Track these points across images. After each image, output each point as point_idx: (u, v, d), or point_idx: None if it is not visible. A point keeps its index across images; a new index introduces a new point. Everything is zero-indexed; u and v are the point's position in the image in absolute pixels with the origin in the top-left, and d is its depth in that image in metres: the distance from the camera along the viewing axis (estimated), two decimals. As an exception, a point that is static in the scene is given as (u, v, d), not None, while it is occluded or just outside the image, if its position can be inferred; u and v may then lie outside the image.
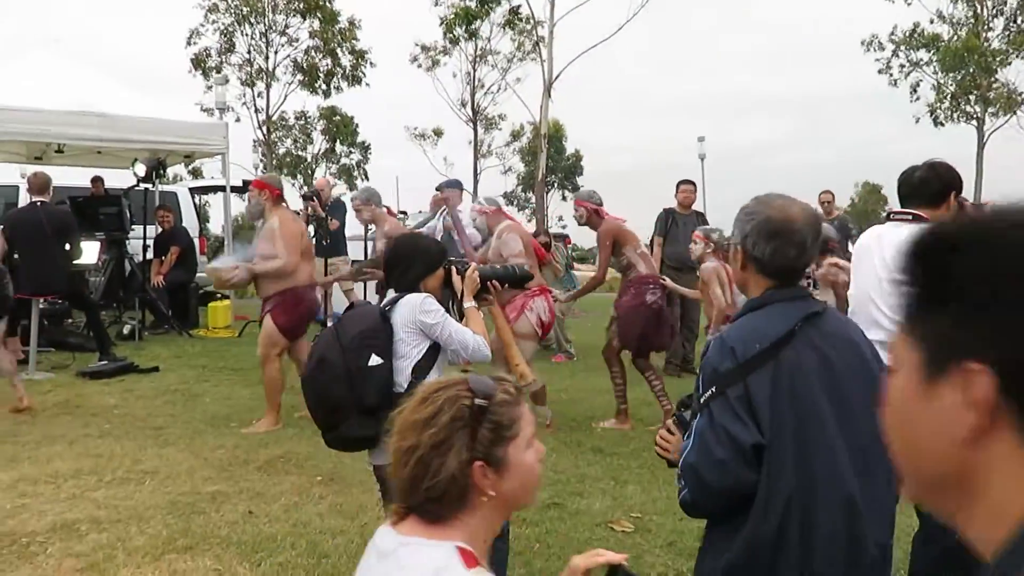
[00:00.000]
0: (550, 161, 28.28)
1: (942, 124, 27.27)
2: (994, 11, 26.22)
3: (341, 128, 33.04)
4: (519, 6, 25.78)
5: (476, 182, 30.19)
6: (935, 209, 3.15)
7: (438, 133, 34.61)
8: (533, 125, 30.41)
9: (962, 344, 0.65)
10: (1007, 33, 26.08)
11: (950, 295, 0.67)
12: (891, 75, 27.82)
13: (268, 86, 27.67)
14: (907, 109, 28.31)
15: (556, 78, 22.19)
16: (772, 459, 1.81)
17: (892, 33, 27.51)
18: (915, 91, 27.69)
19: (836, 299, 5.64)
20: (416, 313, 3.01)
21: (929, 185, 3.18)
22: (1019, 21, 25.93)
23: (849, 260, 6.22)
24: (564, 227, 30.94)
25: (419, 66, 29.10)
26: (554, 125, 32.18)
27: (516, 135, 38.08)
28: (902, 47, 27.44)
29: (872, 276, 3.20)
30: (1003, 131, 26.53)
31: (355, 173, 34.85)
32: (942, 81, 27.14)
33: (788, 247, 1.94)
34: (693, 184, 8.80)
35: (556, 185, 44.23)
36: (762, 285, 1.99)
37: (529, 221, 31.98)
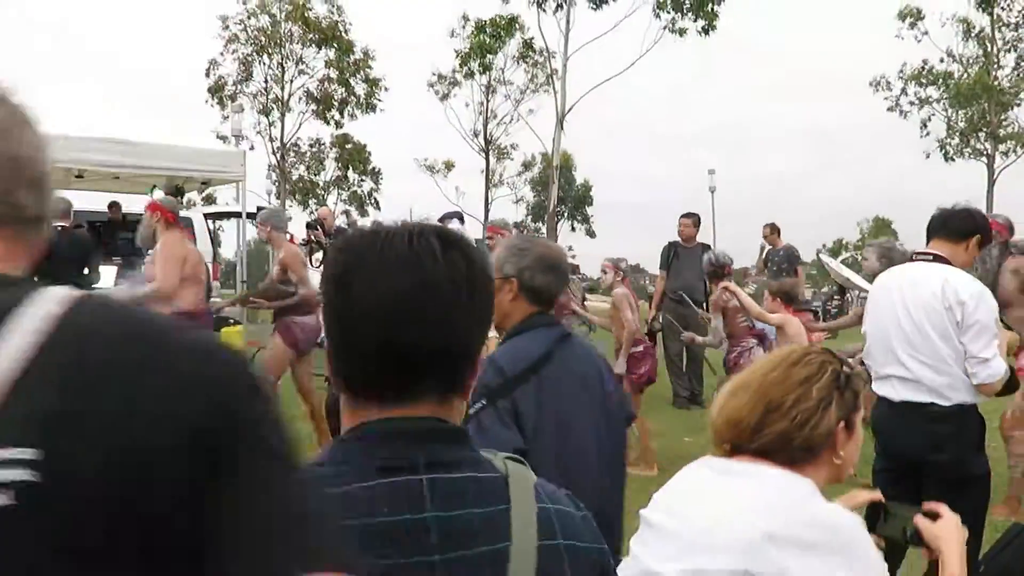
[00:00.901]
0: (560, 192, 28.49)
1: (952, 160, 27.30)
2: (1007, 47, 26.22)
3: (354, 155, 33.22)
4: (532, 38, 26.14)
5: (487, 211, 30.38)
6: (955, 245, 3.26)
7: (449, 166, 34.77)
8: (544, 155, 30.68)
9: None
10: (1017, 72, 26.12)
11: None
12: (901, 110, 27.92)
13: (283, 115, 27.94)
14: (919, 144, 28.25)
15: (569, 111, 22.46)
16: (533, 460, 1.95)
17: (901, 71, 27.59)
18: (925, 127, 27.73)
19: (724, 321, 5.72)
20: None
21: (956, 220, 3.29)
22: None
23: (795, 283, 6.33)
24: (573, 256, 31.05)
25: (436, 92, 29.38)
26: (564, 156, 32.44)
27: (528, 165, 38.28)
28: (911, 82, 27.50)
29: (891, 315, 3.27)
30: (1014, 168, 26.52)
31: (366, 201, 35.01)
32: (952, 117, 27.17)
33: (560, 279, 2.29)
34: (693, 217, 8.75)
35: (566, 216, 44.44)
36: (525, 313, 2.24)
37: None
